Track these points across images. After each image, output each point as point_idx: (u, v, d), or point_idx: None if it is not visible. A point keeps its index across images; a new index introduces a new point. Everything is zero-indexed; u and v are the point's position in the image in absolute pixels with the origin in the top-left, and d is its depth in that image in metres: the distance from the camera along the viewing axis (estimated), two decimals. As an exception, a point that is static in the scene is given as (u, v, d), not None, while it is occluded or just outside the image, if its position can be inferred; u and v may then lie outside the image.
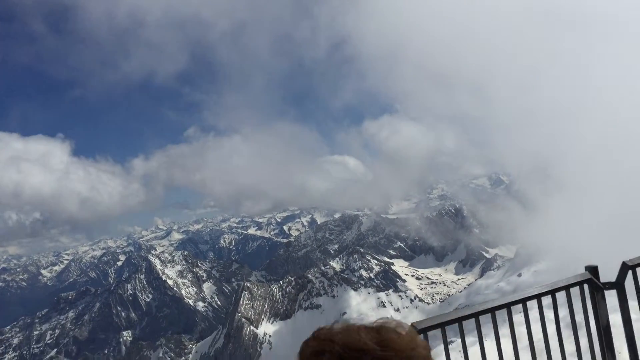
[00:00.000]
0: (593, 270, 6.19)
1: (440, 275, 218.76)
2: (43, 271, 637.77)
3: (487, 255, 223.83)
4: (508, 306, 5.89)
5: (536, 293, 5.86)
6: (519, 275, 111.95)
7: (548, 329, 6.07)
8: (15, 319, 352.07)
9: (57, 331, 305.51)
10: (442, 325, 5.38)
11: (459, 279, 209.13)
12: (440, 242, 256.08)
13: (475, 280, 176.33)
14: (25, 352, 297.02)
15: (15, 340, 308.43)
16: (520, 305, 5.95)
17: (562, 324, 6.06)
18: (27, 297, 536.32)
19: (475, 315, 5.71)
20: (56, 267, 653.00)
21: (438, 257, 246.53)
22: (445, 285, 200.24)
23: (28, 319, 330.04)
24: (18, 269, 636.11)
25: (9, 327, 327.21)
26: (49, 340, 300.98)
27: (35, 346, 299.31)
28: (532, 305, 6.00)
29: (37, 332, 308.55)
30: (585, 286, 6.18)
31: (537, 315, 5.95)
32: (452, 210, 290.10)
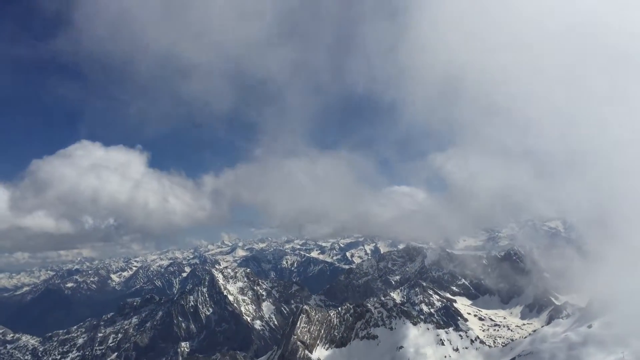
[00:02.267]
0: None
1: (504, 318, 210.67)
2: (113, 275, 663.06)
3: (557, 302, 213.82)
4: None
5: None
6: (589, 326, 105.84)
7: None
8: (82, 319, 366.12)
9: (119, 335, 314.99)
10: None
11: (524, 324, 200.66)
12: (506, 283, 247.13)
13: (542, 327, 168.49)
14: (87, 353, 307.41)
15: (80, 341, 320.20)
16: None
17: None
18: (96, 300, 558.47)
19: None
20: (125, 273, 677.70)
21: (503, 299, 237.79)
22: (509, 329, 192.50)
23: (94, 321, 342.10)
24: (90, 272, 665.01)
25: (75, 327, 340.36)
26: (111, 343, 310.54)
27: (98, 348, 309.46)
28: None
29: (101, 335, 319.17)
30: None
31: None
32: (522, 252, 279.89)
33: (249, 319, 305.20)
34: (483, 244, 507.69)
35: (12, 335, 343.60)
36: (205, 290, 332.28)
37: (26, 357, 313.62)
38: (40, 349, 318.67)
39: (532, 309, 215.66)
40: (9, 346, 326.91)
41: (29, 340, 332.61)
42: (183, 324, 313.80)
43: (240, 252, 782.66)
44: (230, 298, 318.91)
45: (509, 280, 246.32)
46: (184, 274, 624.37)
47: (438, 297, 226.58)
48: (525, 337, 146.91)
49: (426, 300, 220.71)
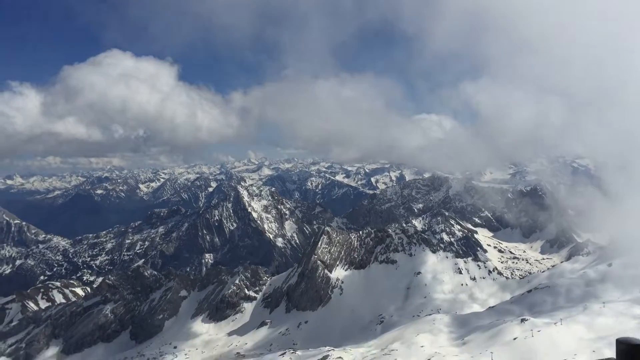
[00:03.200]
0: (626, 350, 3.63)
1: (524, 251, 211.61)
2: (141, 185, 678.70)
3: (578, 239, 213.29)
4: None
5: None
6: (609, 265, 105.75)
7: None
8: (111, 225, 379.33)
9: (146, 243, 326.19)
10: None
11: (543, 259, 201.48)
12: (529, 218, 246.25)
13: (561, 262, 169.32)
14: (116, 258, 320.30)
15: (109, 245, 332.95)
16: None
17: None
18: (124, 208, 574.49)
19: None
20: (153, 184, 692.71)
21: (525, 233, 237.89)
22: (527, 262, 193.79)
23: (122, 228, 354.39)
24: (119, 180, 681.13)
25: (104, 232, 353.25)
26: (138, 250, 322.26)
27: (125, 253, 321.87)
28: None
29: (128, 241, 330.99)
30: None
31: None
32: (548, 188, 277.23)
33: (271, 236, 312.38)
34: (510, 178, 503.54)
35: (44, 236, 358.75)
36: (230, 205, 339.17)
37: (57, 257, 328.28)
38: (71, 251, 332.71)
39: (553, 245, 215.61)
40: (41, 246, 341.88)
41: (60, 242, 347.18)
42: (207, 237, 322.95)
43: (266, 171, 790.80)
44: (254, 215, 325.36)
45: (532, 214, 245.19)
46: (210, 189, 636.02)
47: (459, 227, 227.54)
48: (544, 272, 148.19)
49: (447, 229, 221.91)
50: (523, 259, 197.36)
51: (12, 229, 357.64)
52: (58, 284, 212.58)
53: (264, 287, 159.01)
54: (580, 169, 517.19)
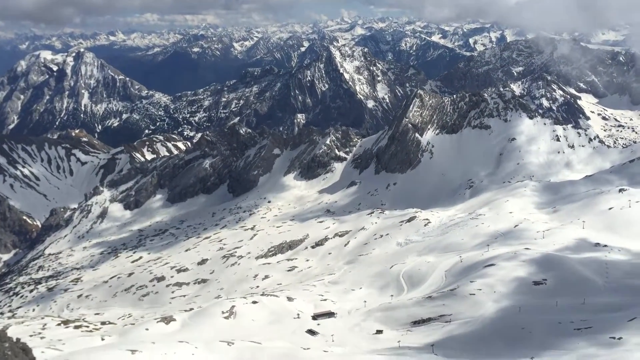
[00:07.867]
0: None
1: (631, 119, 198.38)
2: (235, 44, 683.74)
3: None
4: None
5: None
6: None
7: None
8: (207, 83, 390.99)
9: (241, 102, 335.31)
10: None
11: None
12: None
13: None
14: (213, 115, 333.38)
15: (206, 103, 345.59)
16: None
17: None
18: (219, 66, 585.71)
19: None
20: (247, 43, 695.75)
21: (634, 100, 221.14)
22: (634, 131, 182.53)
23: (218, 86, 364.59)
24: (214, 38, 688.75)
25: (202, 89, 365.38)
26: (234, 108, 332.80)
27: (222, 111, 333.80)
28: None
29: (224, 99, 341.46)
30: None
31: None
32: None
33: (363, 98, 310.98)
34: (625, 39, 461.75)
35: (146, 91, 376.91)
36: (322, 66, 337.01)
37: (159, 112, 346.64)
38: (172, 107, 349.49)
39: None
40: (144, 101, 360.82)
41: (162, 98, 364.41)
42: (300, 97, 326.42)
43: (359, 31, 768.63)
44: (346, 76, 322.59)
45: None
46: (302, 49, 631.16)
47: (562, 92, 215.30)
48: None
49: (548, 94, 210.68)
50: (629, 127, 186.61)
51: (117, 84, 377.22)
52: (161, 137, 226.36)
53: (354, 148, 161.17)
54: None
